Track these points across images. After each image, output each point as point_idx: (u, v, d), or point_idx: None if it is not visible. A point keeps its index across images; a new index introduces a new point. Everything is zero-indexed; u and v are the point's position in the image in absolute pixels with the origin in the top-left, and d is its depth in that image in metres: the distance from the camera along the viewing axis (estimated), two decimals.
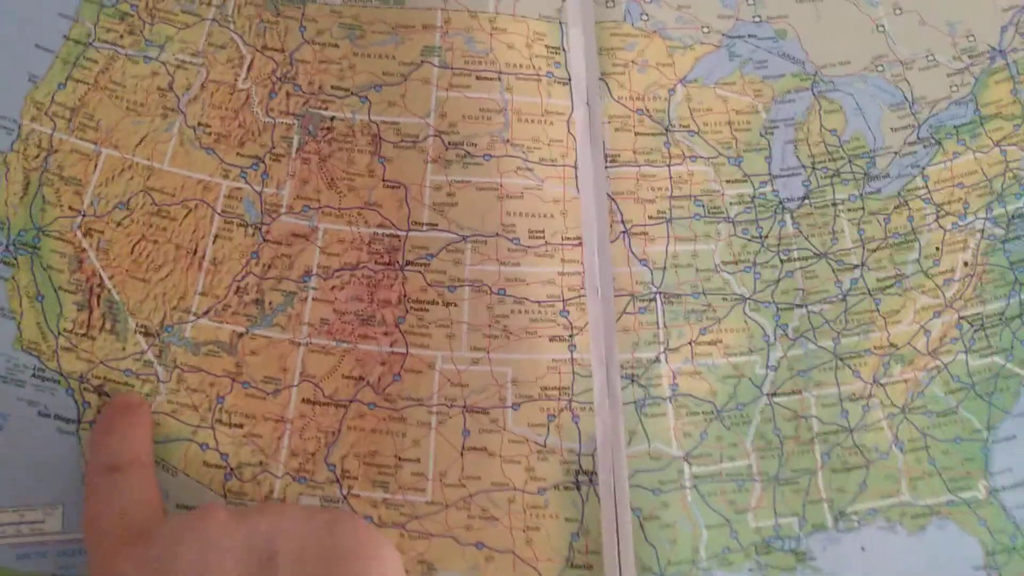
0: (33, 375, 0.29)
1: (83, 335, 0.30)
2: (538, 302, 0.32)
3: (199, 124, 0.32)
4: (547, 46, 0.34)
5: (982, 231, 0.34)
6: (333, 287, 0.31)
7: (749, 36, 0.35)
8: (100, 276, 0.30)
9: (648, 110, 0.34)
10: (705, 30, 0.35)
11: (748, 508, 0.31)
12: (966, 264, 0.33)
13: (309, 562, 0.24)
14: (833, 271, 0.33)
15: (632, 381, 0.32)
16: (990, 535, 0.31)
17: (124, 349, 0.30)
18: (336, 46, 0.33)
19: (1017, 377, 0.33)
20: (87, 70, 0.32)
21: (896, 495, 0.31)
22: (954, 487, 0.32)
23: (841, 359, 0.32)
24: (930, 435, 0.32)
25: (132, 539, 0.25)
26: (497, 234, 0.32)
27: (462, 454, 0.30)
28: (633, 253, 0.33)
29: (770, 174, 0.34)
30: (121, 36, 0.32)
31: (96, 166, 0.31)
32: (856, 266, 0.33)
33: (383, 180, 0.32)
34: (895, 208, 0.34)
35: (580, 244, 0.32)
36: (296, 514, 0.26)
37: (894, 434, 0.32)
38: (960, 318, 0.33)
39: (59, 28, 0.32)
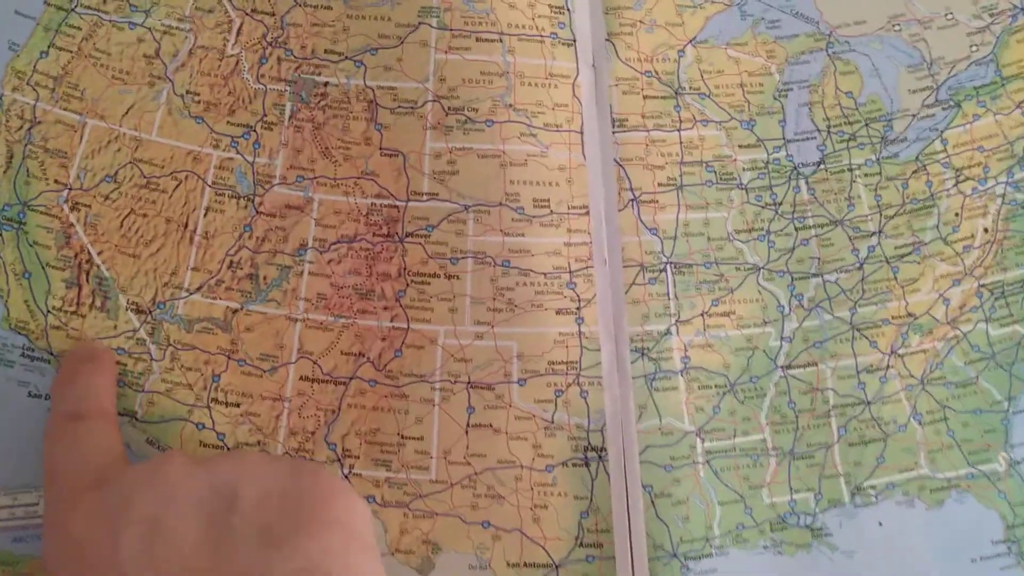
0: (22, 355, 0.29)
1: (73, 313, 0.29)
2: (544, 274, 0.31)
3: (187, 92, 0.31)
4: (550, 5, 0.32)
5: (1003, 196, 0.33)
6: (330, 260, 0.30)
7: None
8: (89, 252, 0.30)
9: (657, 72, 0.33)
10: None
11: (763, 484, 0.30)
12: (986, 230, 0.32)
13: (271, 507, 0.24)
14: (849, 239, 0.32)
15: (642, 354, 0.31)
16: (1010, 508, 0.31)
17: (115, 327, 0.29)
18: (329, 8, 0.32)
19: None
20: (70, 37, 0.31)
21: (914, 468, 0.31)
22: (974, 459, 0.31)
23: (858, 329, 0.32)
24: (949, 407, 0.31)
25: (91, 486, 0.25)
26: (500, 203, 0.31)
27: (467, 431, 0.29)
28: (642, 222, 0.32)
29: (784, 138, 0.33)
30: (104, 1, 0.31)
31: (82, 137, 0.30)
32: (873, 233, 0.32)
33: (380, 148, 0.31)
34: (913, 173, 0.33)
35: (587, 213, 0.31)
36: (258, 460, 0.25)
37: (912, 406, 0.31)
38: (980, 286, 0.32)
39: None
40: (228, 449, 0.29)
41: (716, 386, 0.31)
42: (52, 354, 0.29)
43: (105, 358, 0.28)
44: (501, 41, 0.32)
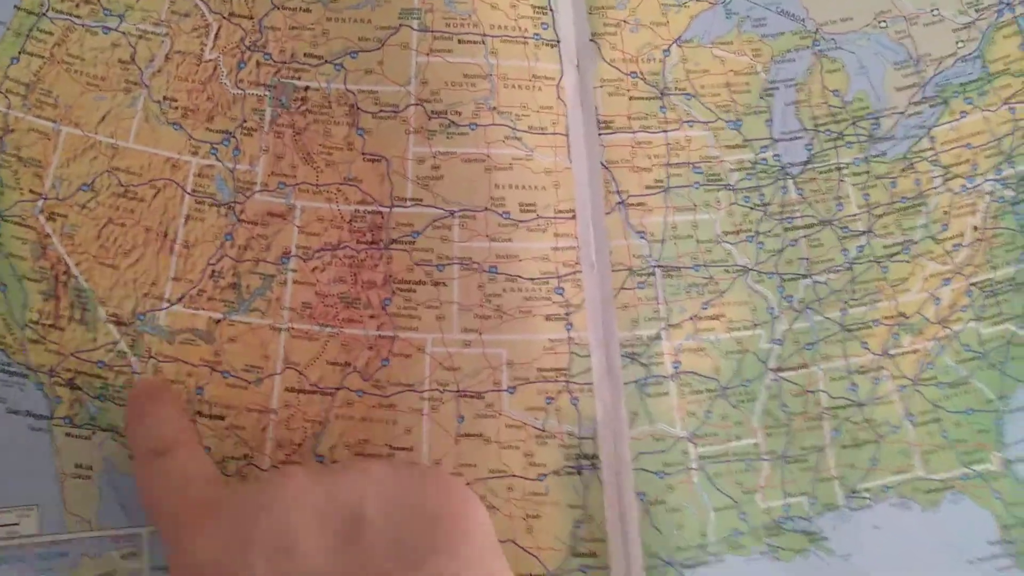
0: (0, 370, 0.28)
1: (51, 326, 0.28)
2: (532, 279, 0.30)
3: (165, 98, 0.30)
4: (533, 6, 0.32)
5: (991, 193, 0.33)
6: (314, 268, 0.30)
7: None
8: (66, 263, 0.29)
9: (642, 72, 0.32)
10: None
11: (756, 488, 0.30)
12: (975, 228, 0.32)
13: (401, 521, 0.23)
14: (838, 238, 0.32)
15: (632, 360, 0.30)
16: (1005, 509, 0.30)
17: (95, 340, 0.29)
18: (308, 11, 0.31)
19: None
20: (42, 43, 0.30)
21: (908, 470, 0.31)
22: (967, 460, 0.31)
23: (849, 330, 0.31)
24: (942, 407, 0.31)
25: (201, 513, 0.24)
26: (486, 208, 0.30)
27: (457, 441, 0.29)
28: (630, 225, 0.31)
29: (771, 138, 0.32)
30: (77, 5, 0.30)
31: (56, 146, 0.29)
32: (862, 233, 0.32)
33: (363, 153, 0.30)
34: (901, 171, 0.32)
35: (574, 217, 0.31)
36: (382, 470, 0.25)
37: (905, 407, 0.31)
38: (970, 284, 0.32)
39: None
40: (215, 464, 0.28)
41: (708, 390, 0.31)
42: (31, 368, 0.28)
43: (165, 390, 0.28)
44: (483, 43, 0.31)
